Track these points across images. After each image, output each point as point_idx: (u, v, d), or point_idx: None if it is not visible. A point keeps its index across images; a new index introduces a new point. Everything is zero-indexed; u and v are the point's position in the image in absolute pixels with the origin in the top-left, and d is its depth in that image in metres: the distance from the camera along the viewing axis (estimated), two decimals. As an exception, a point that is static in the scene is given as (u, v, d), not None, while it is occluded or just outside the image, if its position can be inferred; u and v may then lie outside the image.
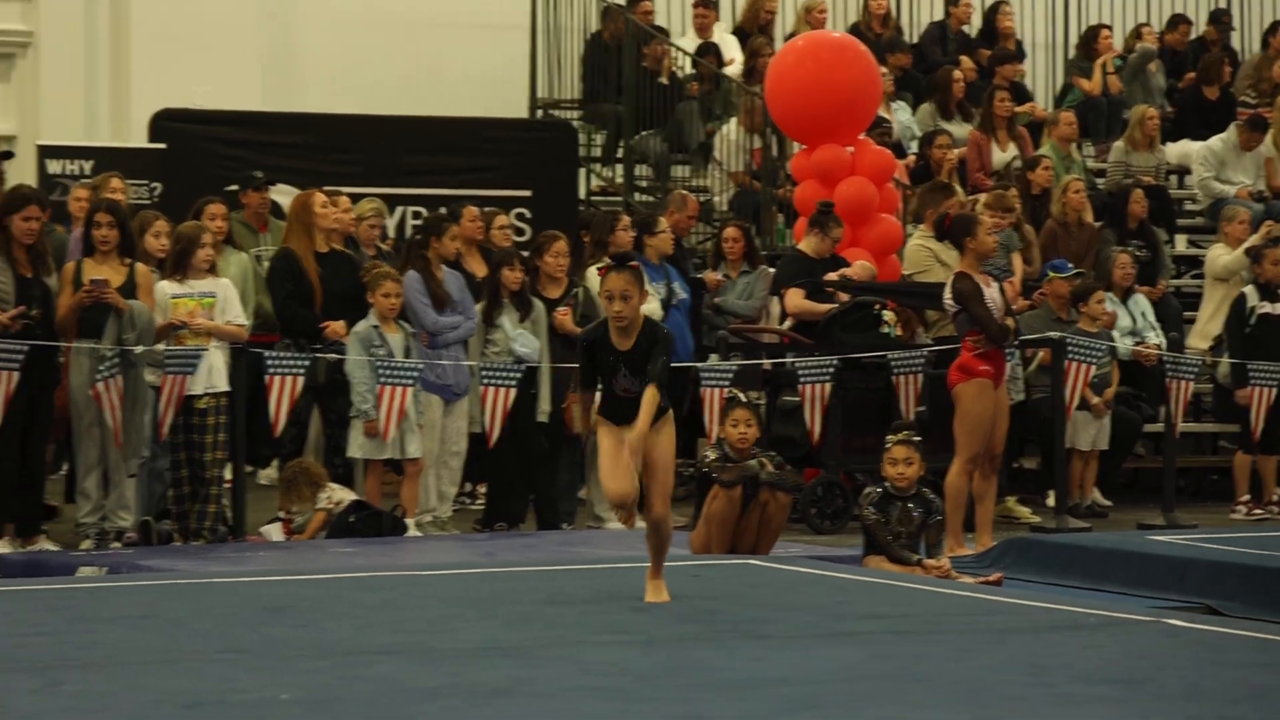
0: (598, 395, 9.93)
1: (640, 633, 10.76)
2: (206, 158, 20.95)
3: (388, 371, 15.91)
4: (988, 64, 23.52)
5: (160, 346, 15.34)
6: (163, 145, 21.25)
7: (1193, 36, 26.04)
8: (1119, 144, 22.16)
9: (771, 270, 18.24)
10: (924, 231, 17.74)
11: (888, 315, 17.27)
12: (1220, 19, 26.34)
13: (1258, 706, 7.56)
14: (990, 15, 24.57)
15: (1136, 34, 24.89)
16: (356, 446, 16.13)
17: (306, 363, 16.03)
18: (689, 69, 22.91)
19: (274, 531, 15.82)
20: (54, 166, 20.74)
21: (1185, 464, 20.07)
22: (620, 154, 23.26)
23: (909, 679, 8.71)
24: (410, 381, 16.04)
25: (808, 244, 17.39)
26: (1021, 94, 23.26)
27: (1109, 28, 25.00)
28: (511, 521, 16.82)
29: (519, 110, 23.95)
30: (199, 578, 13.68)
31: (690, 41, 23.09)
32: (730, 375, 16.39)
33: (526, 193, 21.07)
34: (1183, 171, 23.78)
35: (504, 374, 16.12)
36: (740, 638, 10.44)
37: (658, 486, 9.90)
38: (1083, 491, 18.36)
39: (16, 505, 15.44)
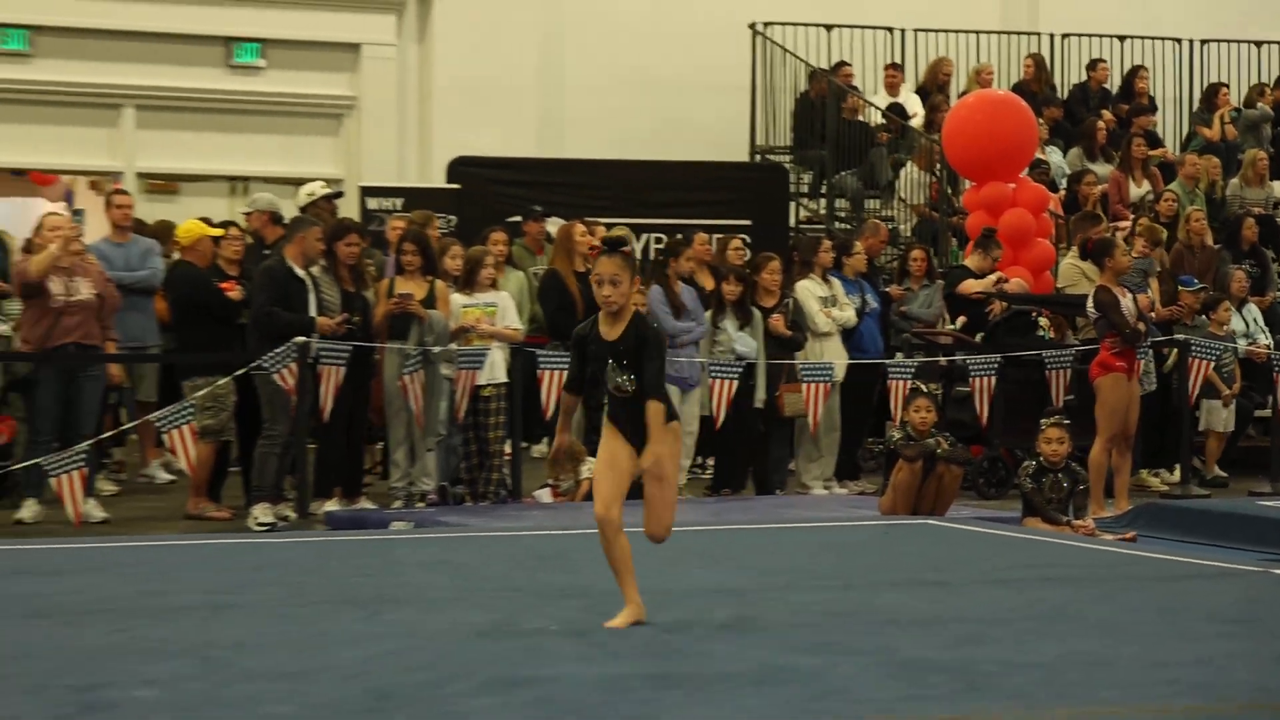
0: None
1: (840, 578, 11.10)
2: (492, 195, 20.97)
3: None
4: (1126, 116, 23.62)
5: (453, 346, 15.52)
6: (457, 185, 21.43)
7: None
8: (1235, 181, 22.19)
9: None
10: (1075, 253, 17.72)
11: (1042, 321, 17.62)
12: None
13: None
14: (1129, 77, 24.70)
15: (1259, 91, 24.76)
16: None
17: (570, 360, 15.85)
18: (880, 120, 22.88)
19: (544, 495, 15.97)
20: (372, 203, 20.99)
21: (1289, 443, 19.76)
22: (823, 190, 23.21)
23: (1059, 618, 9.18)
24: None
25: (972, 261, 17.63)
26: (1153, 140, 23.34)
27: (1226, 85, 24.83)
28: (734, 488, 16.77)
29: (741, 155, 23.83)
30: (485, 531, 14.16)
31: (881, 99, 23.17)
32: (913, 370, 16.41)
33: (747, 222, 20.90)
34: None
35: (728, 369, 16.10)
36: (921, 584, 10.90)
37: (667, 506, 8.30)
38: (1205, 465, 18.22)
39: (343, 472, 15.70)
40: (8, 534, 15.35)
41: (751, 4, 23.88)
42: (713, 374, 16.10)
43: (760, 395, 16.36)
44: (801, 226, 22.86)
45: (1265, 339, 19.12)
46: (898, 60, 24.35)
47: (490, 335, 15.55)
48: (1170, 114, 26.32)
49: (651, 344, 7.87)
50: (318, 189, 18.17)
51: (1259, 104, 24.67)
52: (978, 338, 17.73)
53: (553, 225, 17.94)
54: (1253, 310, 19.48)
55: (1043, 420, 14.11)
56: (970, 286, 17.39)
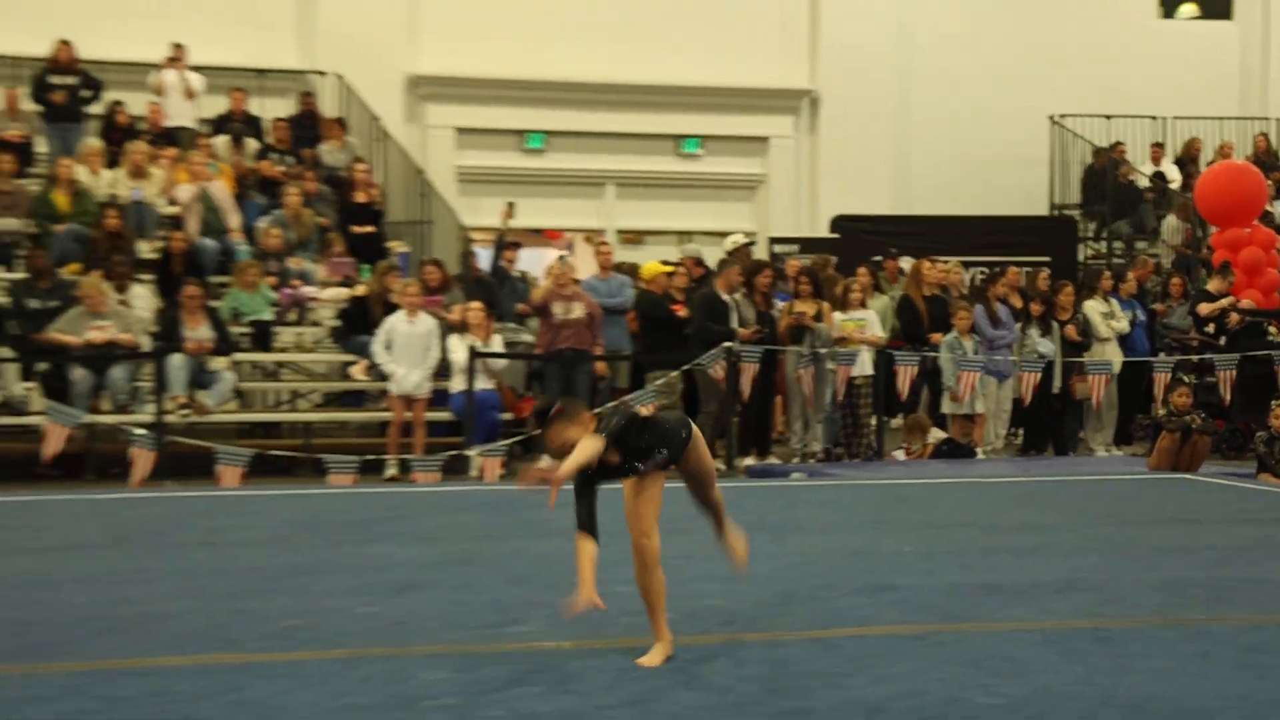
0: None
1: (1117, 517, 11.61)
2: (861, 242, 20.92)
3: (965, 363, 16.10)
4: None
5: (835, 349, 15.71)
6: (837, 235, 21.69)
7: None
8: None
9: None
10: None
11: (1271, 328, 17.64)
12: None
13: None
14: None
15: None
16: (948, 405, 16.35)
17: (918, 358, 16.24)
18: (1147, 184, 23.12)
19: (900, 455, 16.15)
20: (777, 249, 21.35)
21: None
22: (1104, 235, 23.46)
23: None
24: (978, 369, 16.18)
25: (1212, 285, 17.77)
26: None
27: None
28: (1038, 450, 17.02)
29: (1042, 210, 23.72)
30: (857, 480, 14.59)
31: (1148, 168, 23.41)
32: (1173, 365, 16.57)
33: (1047, 258, 20.94)
34: None
35: (1033, 364, 16.29)
36: (1180, 522, 11.50)
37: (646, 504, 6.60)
38: None
39: (757, 437, 15.91)
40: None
41: (1050, 101, 23.58)
42: (1022, 368, 16.34)
43: (1057, 383, 16.67)
44: (1088, 261, 22.98)
45: None
46: (1160, 140, 24.35)
47: (860, 341, 15.90)
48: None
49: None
50: (739, 239, 18.95)
51: None
52: (1221, 341, 17.75)
53: (905, 262, 18.23)
54: None
55: (1273, 401, 14.41)
56: (1204, 308, 17.51)
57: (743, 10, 23.29)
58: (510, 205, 19.35)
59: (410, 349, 15.30)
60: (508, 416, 16.18)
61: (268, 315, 16.59)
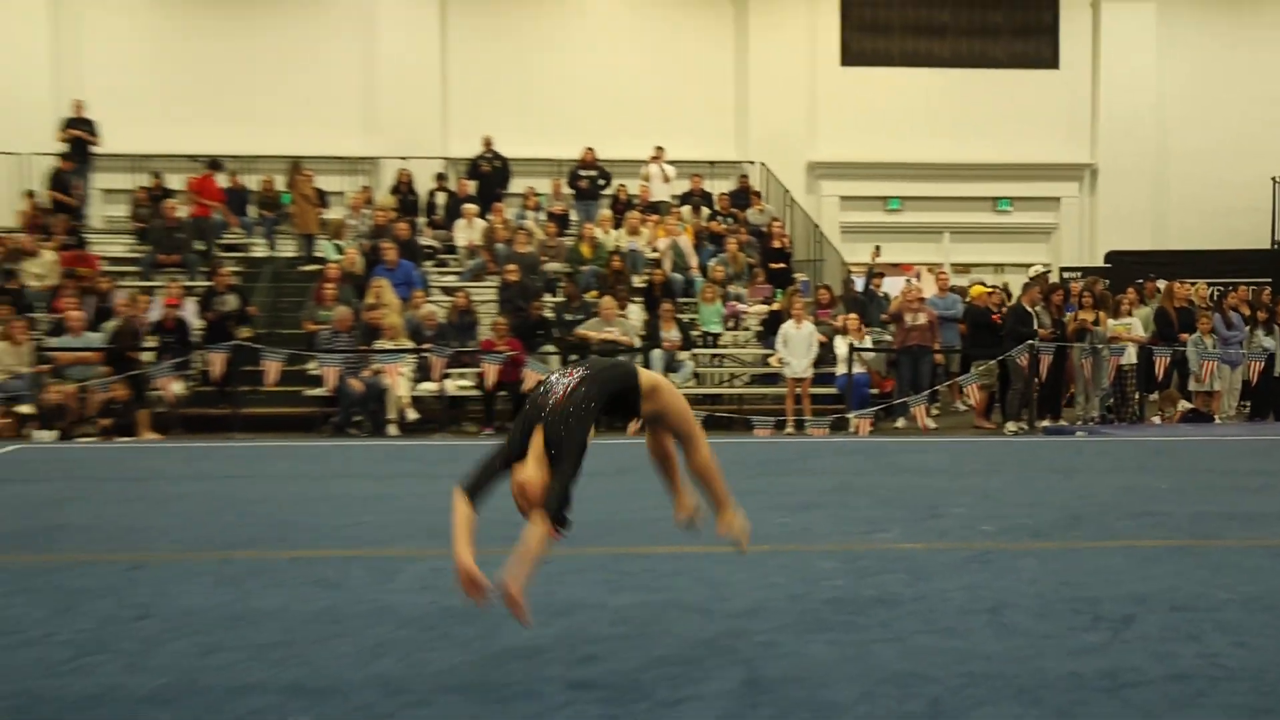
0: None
1: None
2: (1130, 269, 19.81)
3: (1206, 355, 15.77)
4: None
5: (1110, 345, 15.38)
6: (1110, 265, 20.74)
7: None
8: None
9: None
10: None
11: None
12: None
13: None
14: None
15: None
16: (1194, 385, 15.84)
17: (1170, 351, 15.67)
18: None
19: (1157, 420, 15.78)
20: (1067, 275, 19.82)
21: None
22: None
23: None
24: (1216, 359, 15.79)
25: None
26: None
27: None
28: (1263, 417, 16.32)
29: (1265, 244, 22.01)
30: (1124, 438, 14.09)
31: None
32: None
33: (1269, 280, 19.62)
34: None
35: (1259, 355, 16.03)
36: None
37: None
38: None
39: (1051, 404, 15.27)
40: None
41: (1273, 164, 22.15)
42: (1250, 358, 16.10)
43: (1278, 369, 16.22)
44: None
45: None
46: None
47: (1128, 339, 15.66)
48: None
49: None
50: (1038, 268, 18.46)
51: None
52: None
53: (1161, 284, 17.52)
54: None
55: None
56: None
57: (1040, 105, 22.46)
58: (877, 248, 19.47)
59: (798, 345, 15.23)
60: (875, 391, 15.89)
61: (716, 324, 16.98)
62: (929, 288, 17.95)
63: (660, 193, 20.37)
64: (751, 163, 21.77)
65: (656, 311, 16.28)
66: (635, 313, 16.73)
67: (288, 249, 18.81)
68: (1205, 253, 21.24)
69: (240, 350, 15.24)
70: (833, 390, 15.85)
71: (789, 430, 14.95)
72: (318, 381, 15.14)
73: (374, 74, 21.36)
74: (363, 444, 13.84)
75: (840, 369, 15.65)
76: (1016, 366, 15.23)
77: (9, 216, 19.08)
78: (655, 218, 19.35)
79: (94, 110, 19.33)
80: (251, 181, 19.79)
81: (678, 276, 17.88)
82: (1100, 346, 15.52)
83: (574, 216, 19.98)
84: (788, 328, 15.50)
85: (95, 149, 19.22)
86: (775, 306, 17.02)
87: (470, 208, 19.31)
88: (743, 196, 20.65)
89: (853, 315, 16.22)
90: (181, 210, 18.53)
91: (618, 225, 19.16)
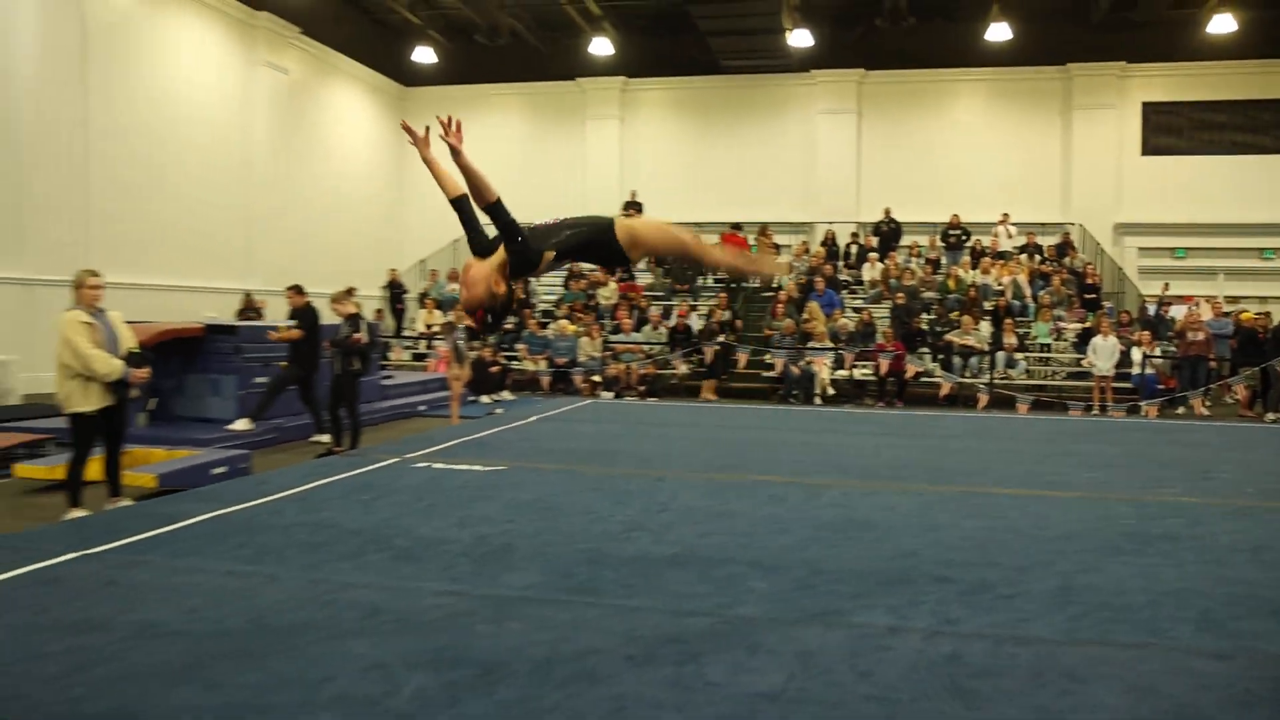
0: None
1: None
2: None
3: None
4: None
5: None
6: None
7: None
8: None
9: None
10: None
11: None
12: None
13: None
14: None
15: None
16: None
17: None
18: None
19: None
20: None
21: None
22: None
23: None
24: None
25: None
26: None
27: None
28: None
29: None
30: None
31: None
32: None
33: None
34: None
35: None
36: None
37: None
38: None
39: None
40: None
41: None
42: None
43: None
44: None
45: None
46: None
47: None
48: None
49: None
50: None
51: None
52: None
53: None
54: None
55: None
56: None
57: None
58: (1166, 285, 19.49)
59: (1104, 352, 15.08)
60: (1161, 386, 15.52)
61: (1045, 336, 16.39)
62: (1206, 313, 17.44)
63: (1005, 245, 20.36)
64: (1071, 223, 21.33)
65: (1000, 326, 16.51)
66: (985, 327, 16.71)
67: (754, 281, 19.27)
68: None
69: (724, 345, 16.58)
70: (1129, 385, 15.58)
71: (1095, 412, 14.57)
72: (771, 367, 16.18)
73: (812, 165, 22.27)
74: (798, 409, 14.31)
75: (1135, 370, 15.50)
76: (1276, 373, 14.79)
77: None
78: (1001, 262, 19.36)
79: (642, 195, 21.37)
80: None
81: (1016, 303, 17.85)
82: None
83: (944, 261, 20.07)
84: (1096, 340, 15.45)
85: (640, 220, 22.16)
86: (1087, 324, 16.88)
87: (873, 255, 19.95)
88: (1064, 248, 20.33)
89: (1145, 332, 16.08)
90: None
91: (974, 266, 19.32)
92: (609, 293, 19.58)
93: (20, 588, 4.49)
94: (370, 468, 8.00)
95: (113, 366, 6.37)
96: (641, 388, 16.19)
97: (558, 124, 23.32)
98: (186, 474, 7.47)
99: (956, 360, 15.80)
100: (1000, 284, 18.59)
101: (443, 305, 19.54)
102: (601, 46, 21.50)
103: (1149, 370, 15.46)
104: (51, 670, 3.57)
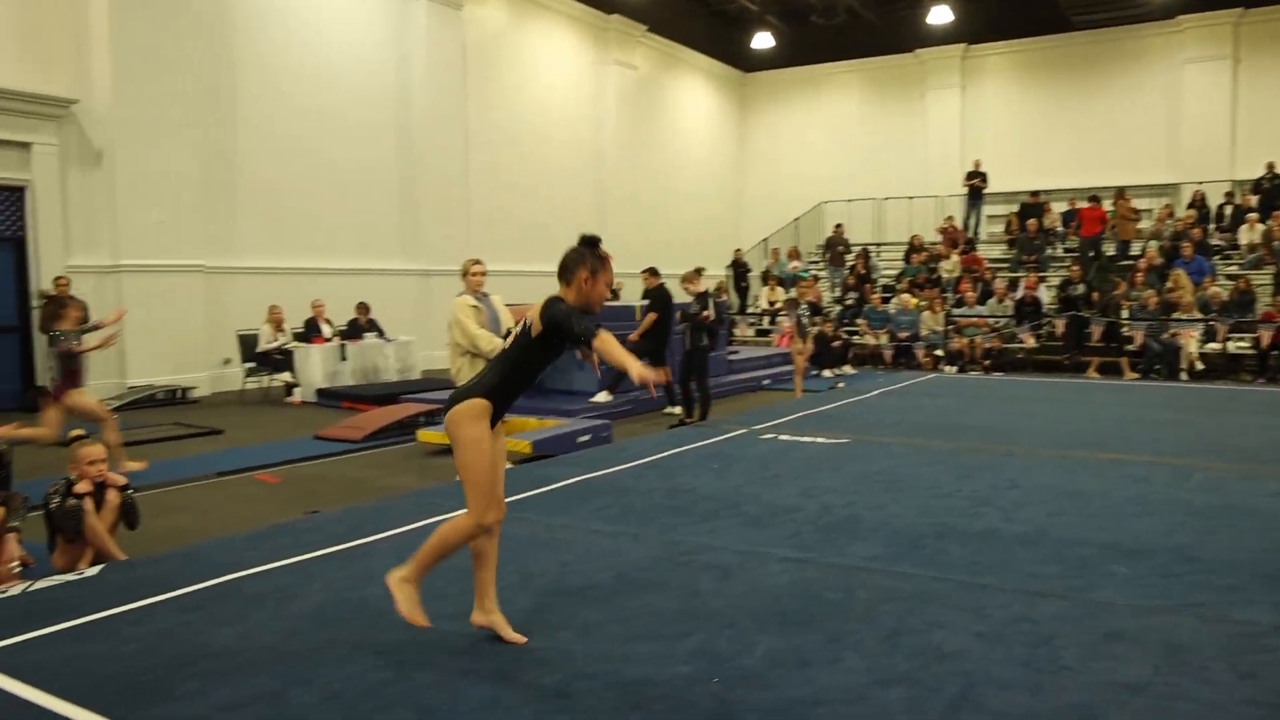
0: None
1: None
2: None
3: None
4: None
5: None
6: None
7: None
8: None
9: None
10: None
11: None
12: None
13: None
14: None
15: None
16: None
17: None
18: None
19: None
20: None
21: None
22: None
23: None
24: None
25: None
26: None
27: None
28: None
29: None
30: None
31: None
32: None
33: None
34: None
35: None
36: None
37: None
38: None
39: None
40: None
41: None
42: None
43: None
44: None
45: None
46: None
47: None
48: None
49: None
50: None
51: None
52: None
53: None
54: None
55: None
56: None
57: None
58: None
59: None
60: None
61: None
62: None
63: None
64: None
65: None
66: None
67: (1109, 249, 19.04)
68: None
69: (1076, 318, 15.68)
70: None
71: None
72: (1129, 340, 15.40)
73: (1177, 121, 21.23)
74: (1160, 385, 13.61)
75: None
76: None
77: (932, 234, 21.39)
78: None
79: (986, 164, 21.06)
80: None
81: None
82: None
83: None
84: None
85: (984, 190, 20.94)
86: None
87: (1252, 216, 18.59)
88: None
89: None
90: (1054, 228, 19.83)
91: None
92: (951, 265, 19.54)
93: (421, 537, 4.80)
94: (720, 438, 8.27)
95: (495, 344, 6.62)
96: (986, 362, 15.94)
97: (896, 98, 23.55)
98: (556, 441, 7.94)
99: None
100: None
101: (784, 283, 20.13)
102: (940, 15, 21.65)
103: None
104: (449, 610, 3.94)
